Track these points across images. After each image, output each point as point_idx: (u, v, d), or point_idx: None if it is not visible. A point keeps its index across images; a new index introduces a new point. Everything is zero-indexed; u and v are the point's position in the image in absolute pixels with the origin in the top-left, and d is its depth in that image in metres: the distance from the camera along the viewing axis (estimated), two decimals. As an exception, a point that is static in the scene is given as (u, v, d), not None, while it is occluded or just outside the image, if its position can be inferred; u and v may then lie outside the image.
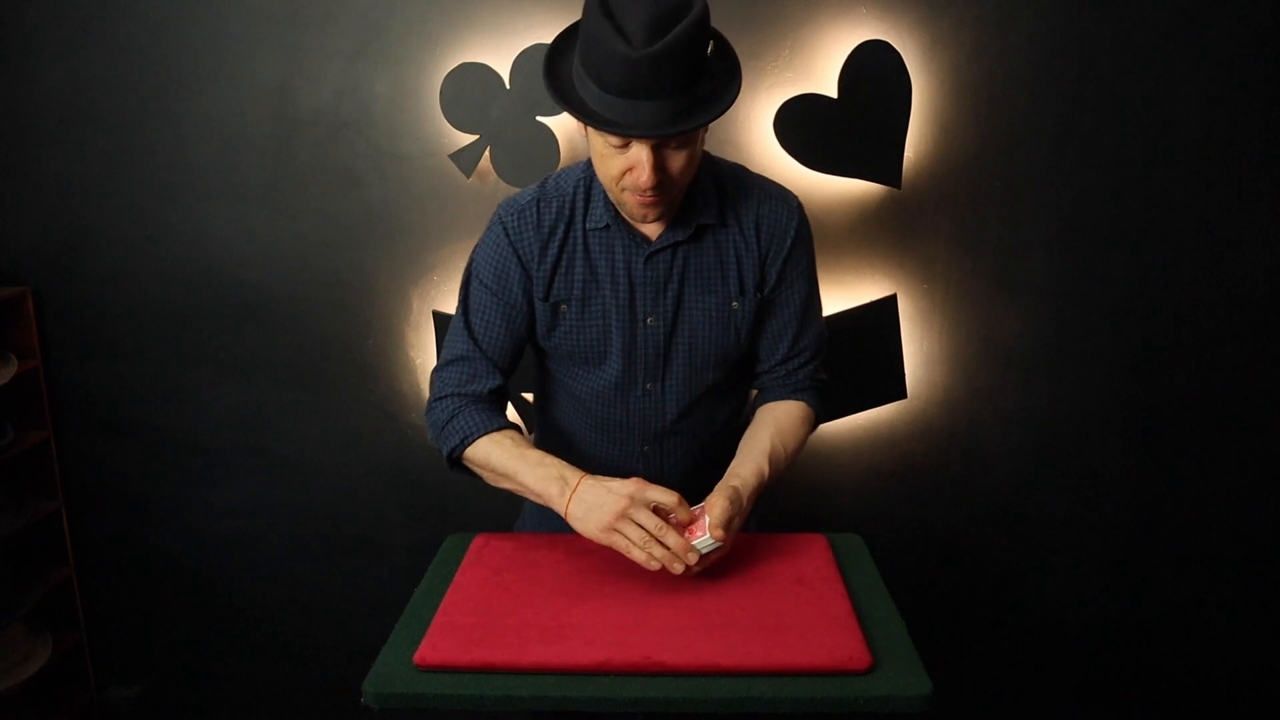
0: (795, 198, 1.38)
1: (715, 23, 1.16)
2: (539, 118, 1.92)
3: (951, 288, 2.02)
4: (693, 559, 1.15)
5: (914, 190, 1.96)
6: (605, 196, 1.30)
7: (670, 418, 1.39)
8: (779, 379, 1.42)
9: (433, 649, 1.06)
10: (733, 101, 1.17)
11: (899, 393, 2.06)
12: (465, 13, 1.93)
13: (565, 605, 1.15)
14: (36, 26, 2.00)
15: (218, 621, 2.33)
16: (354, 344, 2.12)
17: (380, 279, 2.08)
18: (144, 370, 2.17)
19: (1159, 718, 2.25)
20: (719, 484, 1.26)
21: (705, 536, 1.15)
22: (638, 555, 1.15)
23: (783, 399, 1.42)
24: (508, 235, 1.32)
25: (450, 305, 2.05)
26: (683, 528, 1.17)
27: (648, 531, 1.15)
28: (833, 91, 1.90)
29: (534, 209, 1.32)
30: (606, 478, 1.20)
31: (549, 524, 1.46)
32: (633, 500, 1.15)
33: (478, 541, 1.34)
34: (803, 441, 1.40)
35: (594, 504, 1.17)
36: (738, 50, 1.24)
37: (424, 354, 2.10)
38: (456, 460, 1.32)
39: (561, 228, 1.32)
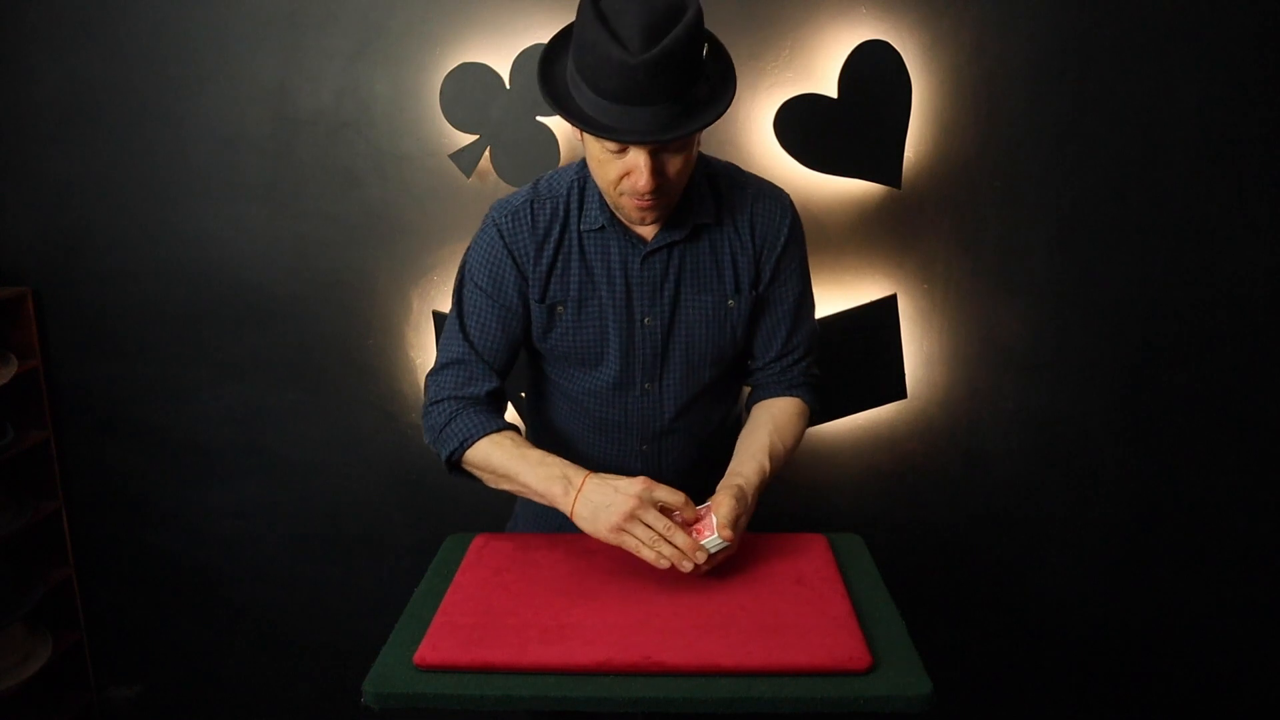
0: (787, 195, 1.39)
1: (715, 24, 1.17)
2: (539, 118, 1.92)
3: (951, 288, 2.02)
4: (701, 558, 1.15)
5: (914, 190, 1.96)
6: (599, 197, 1.30)
7: (668, 417, 1.39)
8: (774, 376, 1.43)
9: (433, 649, 1.06)
10: (729, 104, 1.17)
11: (899, 393, 2.06)
12: (465, 13, 1.93)
13: (565, 605, 1.15)
14: (36, 26, 2.00)
15: (218, 621, 2.33)
16: (354, 344, 2.12)
17: (380, 279, 2.08)
18: (144, 370, 2.17)
19: (1159, 718, 2.25)
20: (722, 483, 1.26)
21: (714, 536, 1.16)
22: (647, 554, 1.15)
23: (778, 396, 1.43)
24: (502, 237, 1.32)
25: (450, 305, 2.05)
26: (689, 526, 1.18)
27: (656, 531, 1.15)
28: (833, 91, 1.90)
29: (528, 210, 1.32)
30: (611, 476, 1.20)
31: (541, 524, 1.46)
32: (641, 500, 1.15)
33: (478, 541, 1.34)
34: (799, 438, 1.41)
35: (601, 504, 1.17)
36: (738, 50, 1.24)
37: (424, 354, 2.10)
38: (455, 464, 1.31)
39: (556, 229, 1.32)
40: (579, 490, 1.20)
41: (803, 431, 1.42)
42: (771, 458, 1.31)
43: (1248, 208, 1.94)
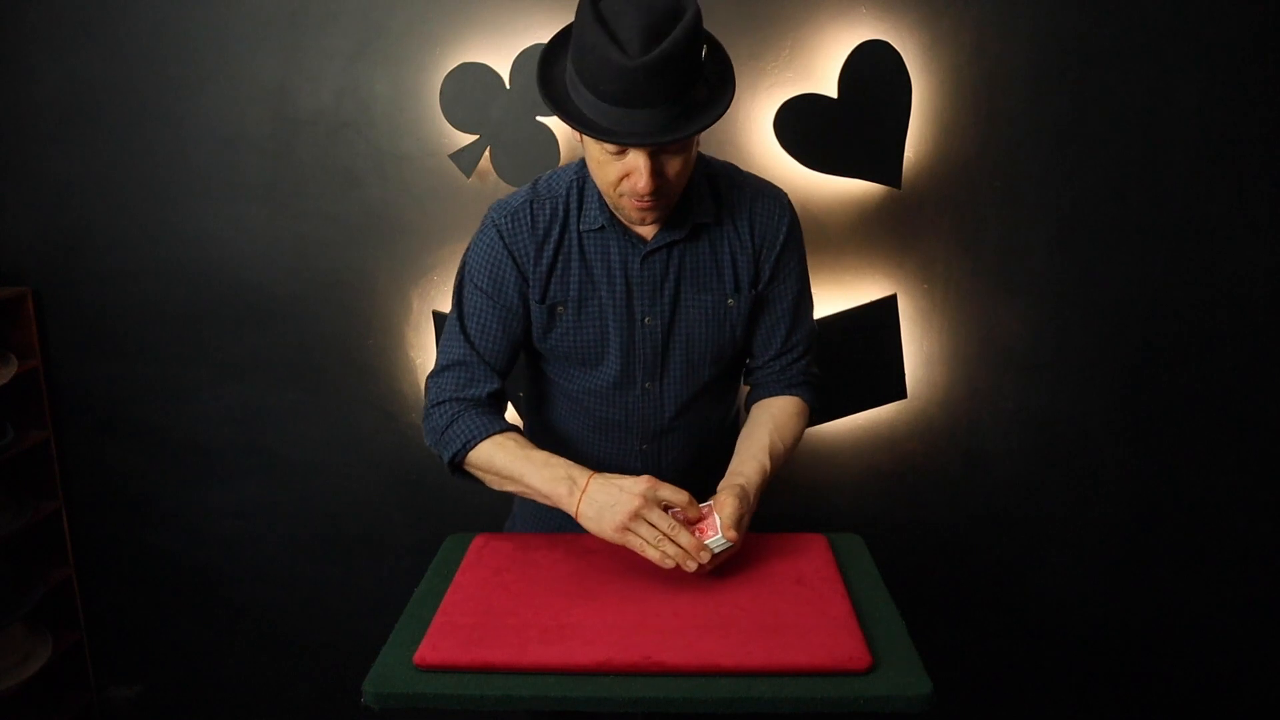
0: (786, 195, 1.39)
1: (715, 24, 1.17)
2: (539, 118, 1.92)
3: (951, 288, 2.02)
4: (705, 557, 1.15)
5: (914, 190, 1.96)
6: (599, 197, 1.30)
7: (668, 415, 1.39)
8: (773, 374, 1.43)
9: (433, 649, 1.06)
10: (728, 106, 1.17)
11: (899, 393, 2.06)
12: (465, 13, 1.93)
13: (565, 605, 1.15)
14: (36, 26, 2.00)
15: (218, 621, 2.33)
16: (354, 344, 2.12)
17: (380, 279, 2.08)
18: (144, 370, 2.17)
19: (1159, 718, 2.25)
20: (724, 483, 1.26)
21: (718, 536, 1.16)
22: (652, 554, 1.15)
23: (777, 394, 1.43)
24: (502, 238, 1.32)
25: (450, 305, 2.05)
26: (693, 525, 1.18)
27: (661, 530, 1.15)
28: (833, 91, 1.90)
29: (527, 211, 1.32)
30: (615, 475, 1.21)
31: (540, 524, 1.46)
32: (645, 499, 1.16)
33: (478, 541, 1.34)
34: (799, 436, 1.41)
35: (606, 504, 1.17)
36: (738, 50, 1.24)
37: (424, 354, 2.10)
38: (458, 466, 1.31)
39: (556, 229, 1.32)
40: (584, 490, 1.20)
41: (802, 430, 1.42)
42: (772, 457, 1.32)
43: (1248, 208, 1.94)
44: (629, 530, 1.16)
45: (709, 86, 1.18)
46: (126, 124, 2.04)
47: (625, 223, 1.30)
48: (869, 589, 1.23)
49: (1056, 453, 2.10)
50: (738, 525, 1.18)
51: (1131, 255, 1.98)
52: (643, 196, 1.19)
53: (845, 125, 1.91)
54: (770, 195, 1.37)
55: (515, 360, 1.39)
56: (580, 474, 1.22)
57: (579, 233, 1.32)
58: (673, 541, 1.15)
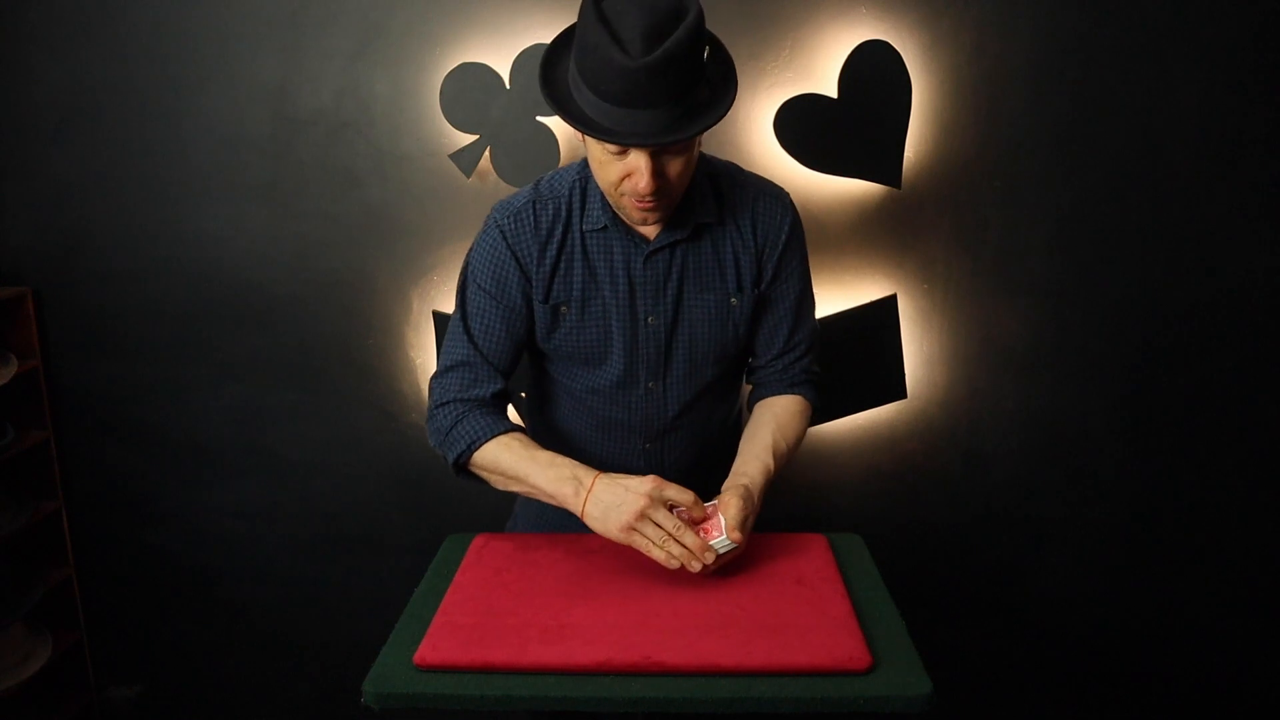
0: (788, 194, 1.40)
1: (715, 24, 1.16)
2: (539, 118, 1.92)
3: (951, 288, 2.02)
4: (710, 558, 1.16)
5: (914, 190, 1.96)
6: (601, 197, 1.30)
7: (671, 414, 1.39)
8: (775, 374, 1.43)
9: (433, 649, 1.06)
10: (730, 106, 1.18)
11: (899, 393, 2.06)
12: (465, 13, 1.93)
13: (565, 605, 1.15)
14: (36, 26, 2.00)
15: (218, 621, 2.33)
16: (354, 344, 2.12)
17: (380, 279, 2.08)
18: (144, 370, 2.17)
19: (1159, 718, 2.25)
20: (728, 483, 1.26)
21: (723, 537, 1.16)
22: (657, 554, 1.16)
23: (780, 394, 1.43)
24: (505, 238, 1.32)
25: (450, 305, 2.05)
26: (698, 525, 1.18)
27: (666, 531, 1.15)
28: (833, 91, 1.90)
29: (530, 211, 1.32)
30: (620, 475, 1.21)
31: (542, 524, 1.46)
32: (651, 499, 1.16)
33: (478, 541, 1.34)
34: (802, 435, 1.41)
35: (612, 504, 1.17)
36: (738, 50, 1.24)
37: (424, 354, 2.10)
38: (463, 466, 1.32)
39: (559, 230, 1.32)
40: (589, 491, 1.20)
41: (805, 429, 1.43)
42: (775, 456, 1.32)
43: (1248, 208, 1.94)
44: (634, 530, 1.16)
45: (711, 87, 1.18)
46: (126, 124, 2.04)
47: (627, 223, 1.30)
48: (869, 589, 1.23)
49: (1056, 453, 2.10)
50: (742, 526, 1.18)
51: (1131, 255, 1.98)
52: (644, 197, 1.19)
53: (845, 125, 1.90)
54: (772, 195, 1.37)
55: (519, 360, 1.39)
56: (585, 474, 1.22)
57: (582, 233, 1.32)
58: (678, 542, 1.15)
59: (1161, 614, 2.18)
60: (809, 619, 1.11)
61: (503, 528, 1.58)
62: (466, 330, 1.35)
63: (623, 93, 1.10)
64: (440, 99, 1.93)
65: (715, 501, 1.22)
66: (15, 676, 2.06)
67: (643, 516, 1.15)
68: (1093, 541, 2.15)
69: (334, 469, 2.20)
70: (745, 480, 1.26)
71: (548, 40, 1.76)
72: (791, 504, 2.12)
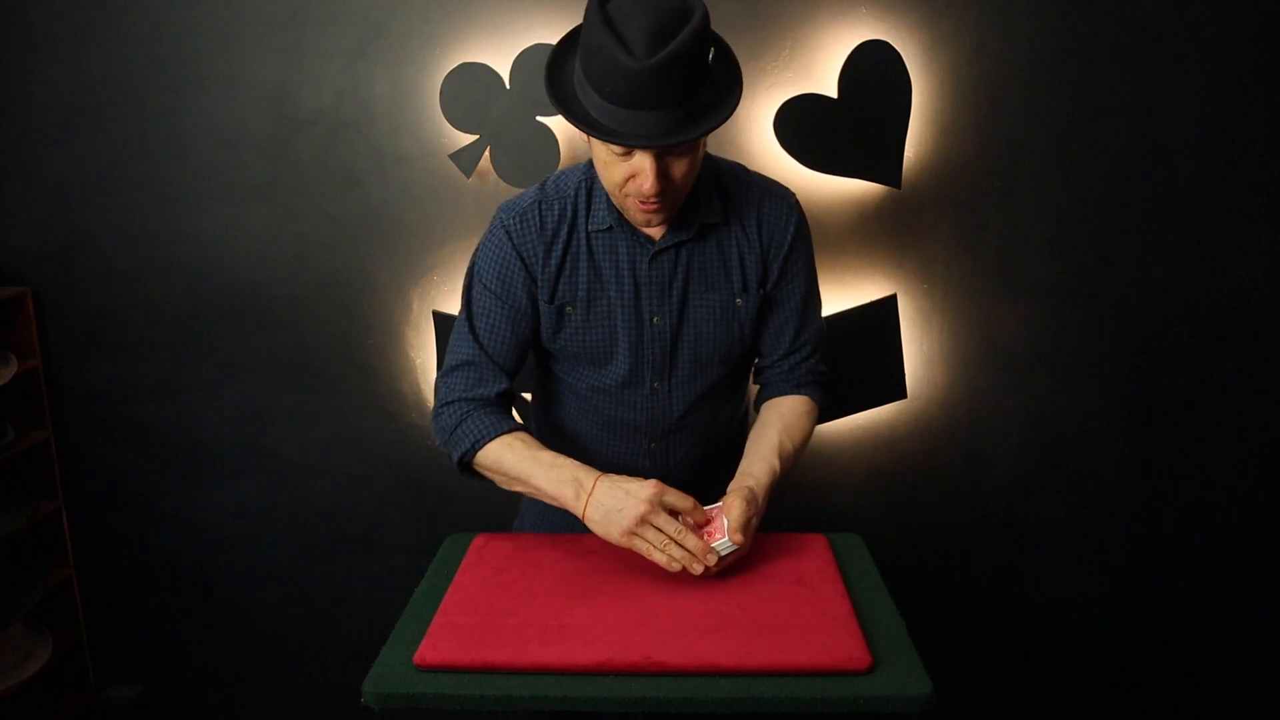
0: (793, 194, 1.39)
1: (716, 24, 1.16)
2: (539, 118, 1.92)
3: (951, 288, 2.02)
4: (712, 560, 1.16)
5: (914, 190, 1.96)
6: (607, 198, 1.30)
7: (676, 414, 1.39)
8: (782, 374, 1.43)
9: (433, 649, 1.06)
10: (734, 108, 1.17)
11: (899, 393, 2.06)
12: (465, 13, 1.93)
13: (565, 605, 1.15)
14: (36, 26, 2.00)
15: (218, 621, 2.33)
16: (354, 344, 2.12)
17: (380, 279, 2.08)
18: (144, 370, 2.17)
19: (1159, 718, 2.25)
20: (733, 484, 1.26)
21: (725, 539, 1.17)
22: (659, 558, 1.16)
23: (786, 394, 1.43)
24: (510, 238, 1.32)
25: (450, 305, 2.05)
26: (699, 529, 1.18)
27: (667, 535, 1.16)
28: (833, 91, 1.90)
29: (536, 211, 1.33)
30: (621, 478, 1.21)
31: (548, 524, 1.46)
32: (651, 504, 1.16)
33: (478, 541, 1.34)
34: (808, 436, 1.41)
35: (613, 508, 1.17)
36: (738, 50, 1.24)
37: (424, 354, 2.10)
38: (467, 465, 1.32)
39: (565, 230, 1.32)
40: (590, 493, 1.20)
41: (811, 429, 1.43)
42: (781, 457, 1.32)
43: (1248, 208, 1.94)
44: (635, 535, 1.16)
45: (716, 89, 1.18)
46: (126, 124, 2.04)
47: (632, 223, 1.30)
48: (869, 589, 1.23)
49: (1056, 453, 2.10)
50: (745, 529, 1.18)
51: (1131, 255, 1.98)
52: (648, 198, 1.19)
53: (845, 125, 1.90)
54: (778, 195, 1.37)
55: (524, 360, 1.39)
56: (587, 476, 1.22)
57: (587, 233, 1.32)
58: (680, 545, 1.15)
59: (1161, 614, 2.18)
60: (809, 619, 1.11)
61: (503, 528, 1.58)
62: (472, 330, 1.35)
63: (627, 94, 1.10)
64: (440, 99, 1.93)
65: (719, 504, 1.22)
66: (15, 676, 2.06)
67: (643, 522, 1.16)
68: (1093, 541, 2.15)
69: (334, 469, 2.20)
70: (750, 482, 1.26)
71: (548, 40, 1.75)
72: (791, 504, 2.12)
